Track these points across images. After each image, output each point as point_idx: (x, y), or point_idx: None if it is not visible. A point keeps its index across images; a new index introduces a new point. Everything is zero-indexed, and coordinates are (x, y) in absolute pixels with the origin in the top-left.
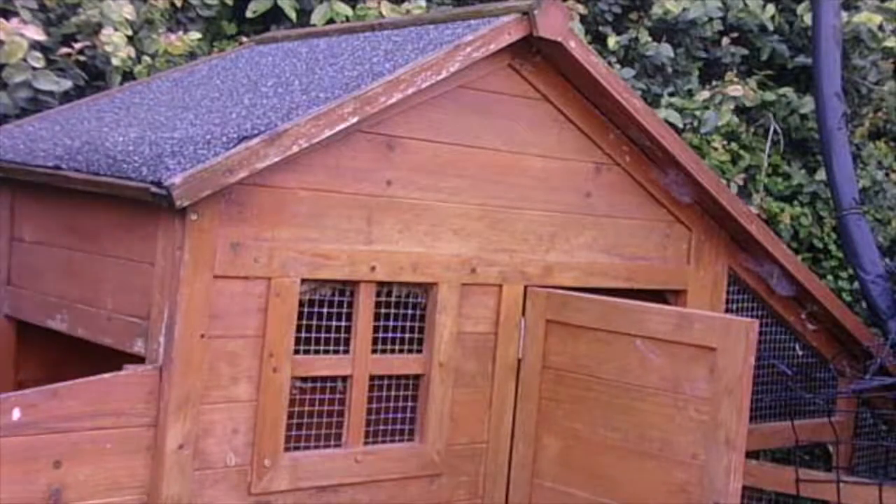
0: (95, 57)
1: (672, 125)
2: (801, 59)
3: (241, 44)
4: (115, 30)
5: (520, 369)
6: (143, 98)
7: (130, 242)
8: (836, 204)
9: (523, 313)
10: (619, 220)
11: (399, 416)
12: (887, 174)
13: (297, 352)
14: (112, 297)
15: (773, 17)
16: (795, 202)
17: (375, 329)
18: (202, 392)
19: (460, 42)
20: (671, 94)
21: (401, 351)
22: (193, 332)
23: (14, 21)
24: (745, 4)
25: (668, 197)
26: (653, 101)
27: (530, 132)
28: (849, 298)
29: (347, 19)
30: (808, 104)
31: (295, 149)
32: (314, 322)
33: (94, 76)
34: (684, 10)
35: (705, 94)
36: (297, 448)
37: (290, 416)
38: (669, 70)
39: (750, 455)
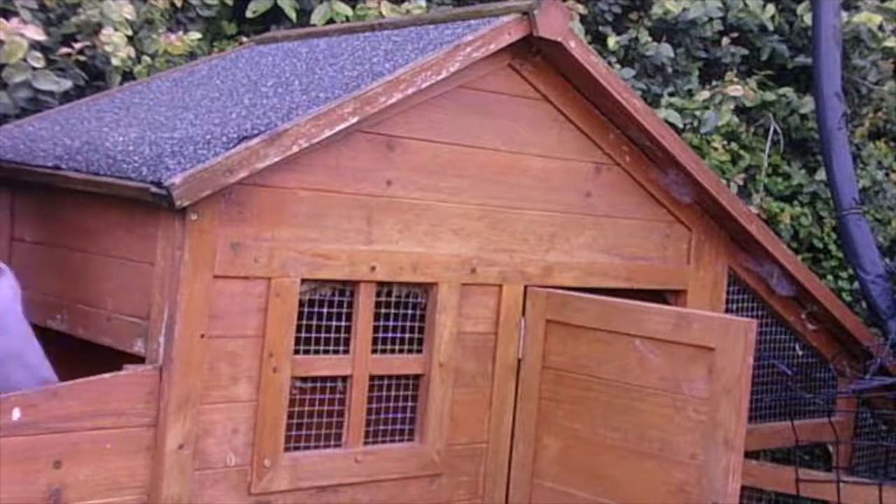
0: (95, 57)
1: (672, 125)
2: (801, 59)
3: (241, 44)
4: (115, 30)
5: (520, 369)
6: (143, 98)
7: (130, 242)
8: (836, 204)
9: (523, 313)
10: (619, 220)
11: (399, 416)
12: (887, 174)
13: (297, 352)
14: (112, 297)
15: (773, 17)
16: (795, 202)
17: (375, 329)
18: (202, 392)
19: (460, 42)
20: (671, 94)
21: (401, 351)
22: (193, 332)
23: (14, 21)
24: (745, 4)
25: (668, 197)
26: (653, 101)
27: (530, 132)
28: (849, 298)
29: (347, 19)
30: (808, 104)
31: (295, 149)
32: (314, 322)
33: (94, 76)
34: (684, 10)
35: (705, 94)
36: (297, 448)
37: (290, 416)
38: (669, 70)
39: (750, 455)
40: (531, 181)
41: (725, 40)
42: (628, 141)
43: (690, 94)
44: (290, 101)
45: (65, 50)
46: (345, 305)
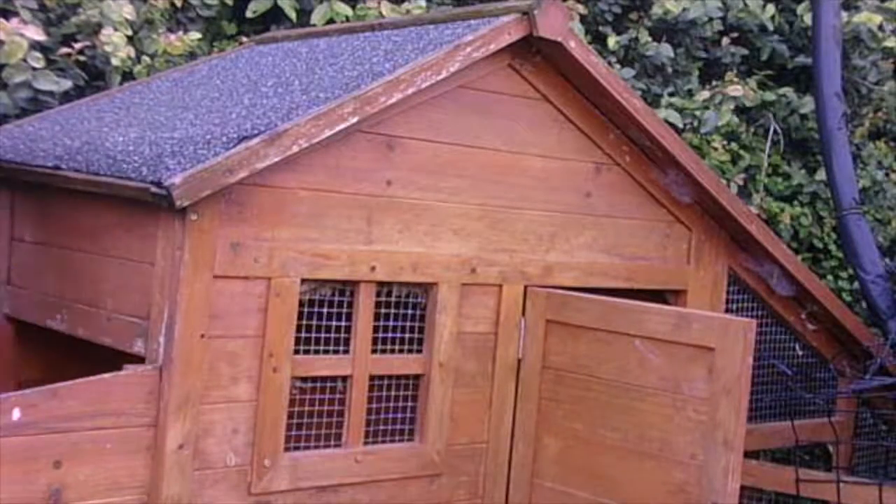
0: (95, 57)
1: (672, 125)
2: (801, 59)
3: (241, 44)
4: (115, 30)
5: (520, 369)
6: (143, 98)
7: (130, 242)
8: (836, 204)
9: (523, 313)
10: (619, 220)
11: (399, 416)
12: (887, 174)
13: (297, 352)
14: (112, 297)
15: (773, 17)
16: (795, 202)
17: (375, 329)
18: (202, 392)
19: (460, 42)
20: (671, 94)
21: (401, 351)
22: (193, 332)
23: (14, 21)
24: (745, 4)
25: (668, 197)
26: (653, 101)
27: (530, 132)
28: (849, 298)
29: (347, 19)
30: (808, 104)
31: (295, 149)
32: (314, 322)
33: (94, 76)
34: (684, 10)
35: (705, 94)
36: (297, 448)
37: (290, 416)
38: (669, 70)
39: (750, 455)
40: (531, 181)
41: (725, 40)
42: (628, 141)
43: (690, 94)
44: (290, 101)
45: (65, 50)
46: (345, 305)
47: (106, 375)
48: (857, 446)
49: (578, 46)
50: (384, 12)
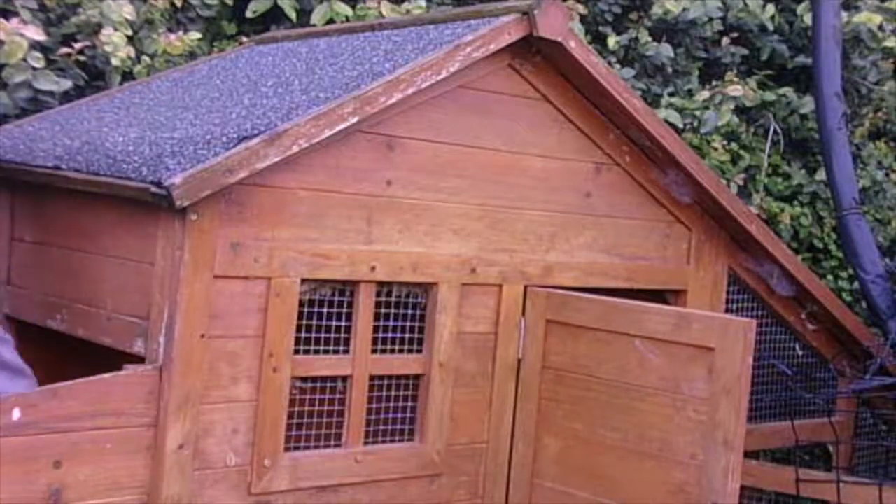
0: (95, 57)
1: (672, 125)
2: (801, 59)
3: (241, 44)
4: (115, 30)
5: (520, 369)
6: (143, 98)
7: (130, 242)
8: (836, 204)
9: (523, 313)
10: (619, 220)
11: (399, 416)
12: (887, 174)
13: (297, 352)
14: (112, 297)
15: (773, 17)
16: (795, 202)
17: (375, 329)
18: (202, 392)
19: (460, 42)
20: (671, 94)
21: (401, 351)
22: (193, 332)
23: (14, 21)
24: (745, 4)
25: (668, 197)
26: (653, 101)
27: (530, 132)
28: (849, 298)
29: (347, 19)
30: (808, 104)
31: (295, 149)
32: (314, 322)
33: (94, 76)
34: (684, 10)
35: (705, 94)
36: (297, 448)
37: (290, 416)
38: (669, 70)
39: (750, 455)
40: (531, 181)
41: (725, 40)
42: (628, 141)
43: (690, 94)
44: (290, 101)
45: (65, 50)
46: (345, 305)
47: (106, 375)
48: (857, 446)
49: (578, 46)
50: (384, 12)
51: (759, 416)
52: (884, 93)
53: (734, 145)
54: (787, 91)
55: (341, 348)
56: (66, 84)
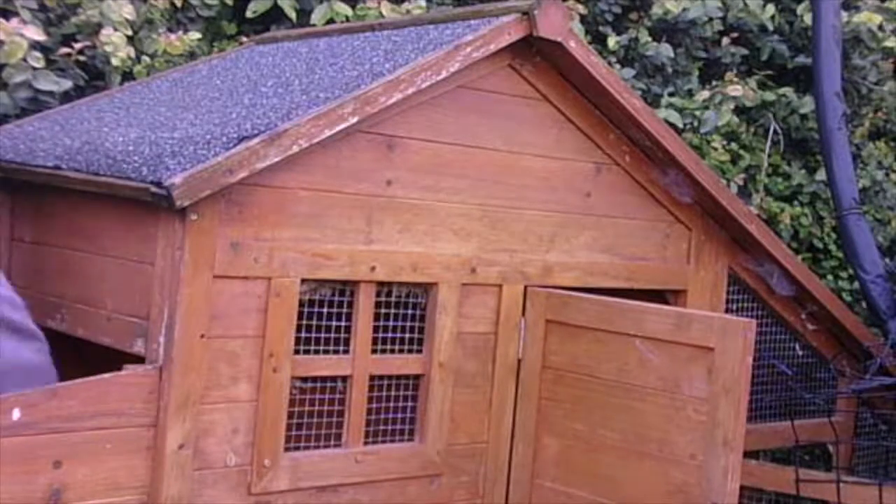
0: (95, 57)
1: (672, 125)
2: (801, 59)
3: (241, 44)
4: (115, 30)
5: (520, 369)
6: (143, 98)
7: (130, 242)
8: (836, 204)
9: (523, 313)
10: (619, 220)
11: (399, 416)
12: (887, 174)
13: (297, 352)
14: (112, 297)
15: (773, 17)
16: (795, 202)
17: (375, 329)
18: (202, 392)
19: (460, 42)
20: (671, 94)
21: (401, 351)
22: (193, 332)
23: (14, 21)
24: (745, 4)
25: (668, 197)
26: (653, 101)
27: (530, 132)
28: (849, 298)
29: (347, 19)
30: (808, 104)
31: (295, 149)
32: (314, 322)
33: (94, 76)
34: (684, 10)
35: (705, 94)
36: (297, 448)
37: (290, 416)
38: (669, 70)
39: (750, 455)
40: (531, 181)
41: (725, 40)
42: (628, 141)
43: (690, 94)
44: (290, 101)
45: (65, 50)
46: (345, 305)
47: (106, 375)
48: (857, 446)
49: (578, 46)
50: (384, 12)
51: (759, 416)
52: (884, 93)
53: (734, 145)
54: (787, 91)
55: (341, 348)
56: (66, 84)
